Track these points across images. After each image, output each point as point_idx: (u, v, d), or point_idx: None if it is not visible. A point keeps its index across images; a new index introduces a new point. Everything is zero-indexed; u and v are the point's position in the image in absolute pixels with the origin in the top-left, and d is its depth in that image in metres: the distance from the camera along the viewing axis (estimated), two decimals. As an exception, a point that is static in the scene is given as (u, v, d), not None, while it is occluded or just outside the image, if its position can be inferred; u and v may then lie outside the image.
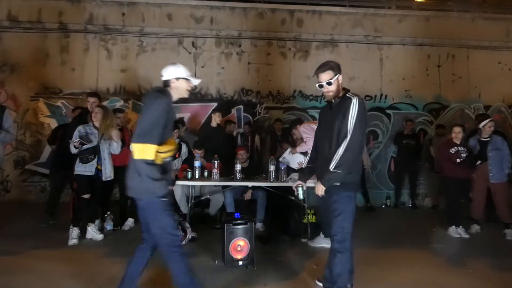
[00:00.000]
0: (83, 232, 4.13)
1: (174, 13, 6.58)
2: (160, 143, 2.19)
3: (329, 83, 2.50)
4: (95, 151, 3.99)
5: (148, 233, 2.32)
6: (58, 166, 4.71)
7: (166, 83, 2.37)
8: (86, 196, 4.01)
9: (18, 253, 3.57)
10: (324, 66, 2.53)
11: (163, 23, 6.55)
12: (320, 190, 2.48)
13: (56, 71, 6.44)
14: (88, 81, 6.47)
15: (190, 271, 2.30)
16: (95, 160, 3.99)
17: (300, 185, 2.87)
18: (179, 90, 2.38)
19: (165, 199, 2.22)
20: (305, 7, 6.78)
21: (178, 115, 6.42)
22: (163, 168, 2.23)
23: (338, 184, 2.43)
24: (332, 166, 2.39)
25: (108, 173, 4.11)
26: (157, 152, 2.17)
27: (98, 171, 4.04)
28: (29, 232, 4.33)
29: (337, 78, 2.51)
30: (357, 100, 2.43)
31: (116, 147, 4.10)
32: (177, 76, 2.36)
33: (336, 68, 2.52)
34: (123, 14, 6.51)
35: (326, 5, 6.81)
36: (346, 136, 2.39)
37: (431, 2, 7.23)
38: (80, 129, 4.00)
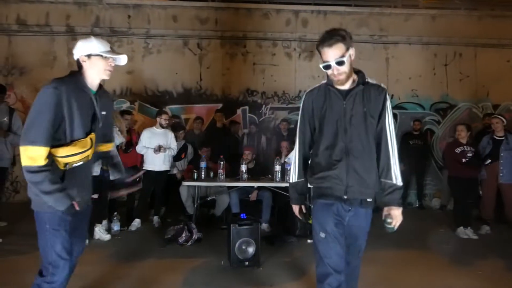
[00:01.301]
0: (90, 232, 4.17)
1: (179, 15, 6.61)
2: (61, 144, 1.72)
3: (340, 62, 1.71)
4: None
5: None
6: None
7: (78, 64, 1.87)
8: (94, 196, 4.05)
9: (27, 253, 3.61)
10: (332, 37, 1.71)
11: (168, 25, 6.59)
12: (400, 217, 1.89)
13: (63, 73, 6.35)
14: (95, 83, 6.53)
15: None
16: (100, 160, 4.01)
17: (305, 209, 2.11)
18: (94, 71, 1.85)
19: (62, 214, 1.77)
20: (310, 7, 6.76)
21: (183, 117, 6.48)
22: (64, 176, 1.76)
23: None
24: (398, 181, 1.83)
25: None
26: (56, 156, 1.72)
27: (104, 171, 4.05)
28: (34, 232, 4.39)
29: (350, 54, 1.76)
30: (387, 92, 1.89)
31: (117, 142, 4.09)
32: (88, 53, 1.84)
33: (348, 38, 1.76)
34: (129, 16, 6.57)
35: (331, 5, 6.79)
36: (390, 139, 1.81)
37: (438, 0, 7.17)
38: None
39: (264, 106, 6.79)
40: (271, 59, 6.78)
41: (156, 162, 4.68)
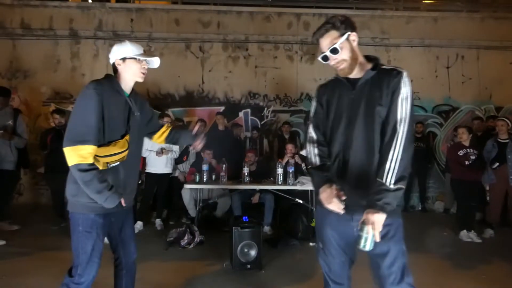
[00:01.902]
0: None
1: (181, 18, 6.65)
2: (99, 145, 1.76)
3: (333, 50, 1.58)
4: None
5: (113, 246, 2.05)
6: (53, 169, 4.58)
7: (113, 68, 1.94)
8: None
9: (31, 255, 3.65)
10: (322, 27, 1.63)
11: (171, 28, 6.63)
12: (380, 225, 1.44)
13: (67, 76, 6.57)
14: (98, 86, 6.57)
15: None
16: None
17: (364, 224, 1.45)
18: (128, 74, 1.91)
19: (95, 217, 1.81)
20: (312, 10, 6.79)
21: (185, 120, 6.50)
22: (108, 176, 1.80)
23: (394, 207, 1.50)
24: (390, 180, 1.46)
25: None
26: (96, 156, 1.75)
27: None
28: (42, 234, 4.41)
29: (348, 39, 1.60)
30: (407, 74, 1.60)
31: None
32: (123, 56, 1.89)
33: (342, 24, 1.62)
34: (132, 20, 6.61)
35: (332, 8, 6.82)
36: (396, 129, 1.50)
37: (439, 2, 7.18)
38: None
39: (266, 109, 6.81)
40: (273, 62, 6.80)
41: (158, 165, 4.70)
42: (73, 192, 1.80)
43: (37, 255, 3.65)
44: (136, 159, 2.04)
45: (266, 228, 4.54)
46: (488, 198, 4.70)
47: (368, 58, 1.69)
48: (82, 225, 1.80)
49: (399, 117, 1.51)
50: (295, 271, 3.37)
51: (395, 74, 1.59)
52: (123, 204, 1.85)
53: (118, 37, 6.59)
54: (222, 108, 6.63)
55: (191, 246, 3.97)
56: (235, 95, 6.76)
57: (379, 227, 1.44)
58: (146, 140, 4.94)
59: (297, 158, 5.05)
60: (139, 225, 4.67)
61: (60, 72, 6.57)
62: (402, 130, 1.50)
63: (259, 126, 6.59)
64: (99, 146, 1.76)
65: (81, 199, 1.78)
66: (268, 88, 6.80)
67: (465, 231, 4.43)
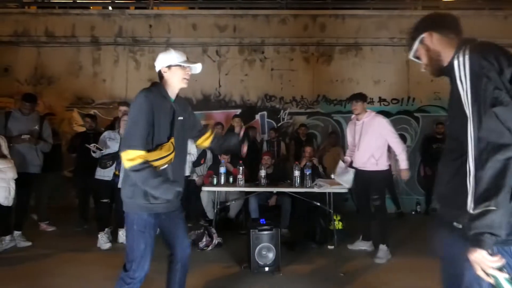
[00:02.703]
0: (114, 236, 4.30)
1: (198, 23, 6.75)
2: (148, 149, 1.87)
3: (416, 58, 1.49)
4: (114, 157, 4.08)
5: (168, 243, 2.16)
6: (80, 172, 4.89)
7: (159, 75, 2.05)
8: (105, 200, 4.18)
9: (55, 256, 3.77)
10: (408, 37, 1.51)
11: (188, 33, 6.74)
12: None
13: (88, 82, 6.78)
14: (118, 91, 6.75)
15: None
16: (113, 166, 4.11)
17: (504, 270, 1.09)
18: (174, 81, 2.02)
19: (148, 217, 1.94)
20: (328, 12, 6.76)
21: (203, 123, 6.57)
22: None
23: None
24: (471, 205, 1.12)
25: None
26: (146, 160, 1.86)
27: (117, 177, 4.11)
28: (65, 236, 4.56)
29: (422, 43, 1.44)
30: (469, 55, 1.25)
31: None
32: (168, 64, 2.00)
33: (416, 30, 1.49)
34: (150, 26, 6.76)
35: (349, 9, 6.76)
36: (470, 128, 1.17)
37: (460, 1, 7.00)
38: (105, 134, 4.21)
39: (282, 111, 6.81)
40: (289, 64, 6.80)
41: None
42: (129, 194, 1.94)
43: (61, 257, 3.77)
44: (182, 161, 2.16)
45: (284, 231, 4.52)
46: None
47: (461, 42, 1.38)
48: (137, 224, 1.94)
49: (469, 111, 1.22)
50: (313, 274, 3.35)
51: (460, 62, 1.29)
52: (180, 189, 1.97)
53: (137, 43, 6.76)
54: (238, 111, 6.67)
55: (209, 248, 4.01)
56: (252, 98, 6.80)
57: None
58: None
59: (314, 161, 5.02)
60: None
61: (82, 78, 6.78)
62: (478, 127, 1.18)
63: (276, 128, 6.59)
64: (148, 151, 1.87)
65: (136, 200, 1.92)
66: (284, 91, 6.80)
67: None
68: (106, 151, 4.09)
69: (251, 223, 3.61)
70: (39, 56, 6.78)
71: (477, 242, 1.08)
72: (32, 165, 4.11)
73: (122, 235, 4.26)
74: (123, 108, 4.71)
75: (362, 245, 3.99)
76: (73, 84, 6.76)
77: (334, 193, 4.27)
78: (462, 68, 1.25)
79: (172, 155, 1.95)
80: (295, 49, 6.80)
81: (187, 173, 4.98)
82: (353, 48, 6.76)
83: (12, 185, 3.51)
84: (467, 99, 1.20)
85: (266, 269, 3.29)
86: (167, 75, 2.01)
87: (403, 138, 6.64)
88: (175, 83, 2.03)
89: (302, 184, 4.33)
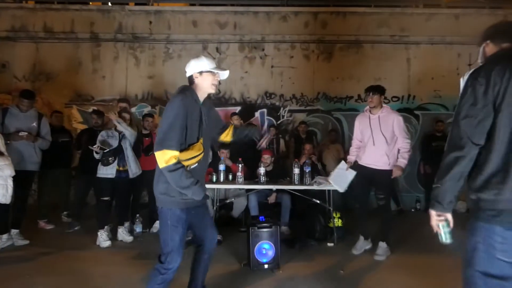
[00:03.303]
0: (113, 234, 4.29)
1: (199, 20, 6.71)
2: (181, 149, 2.02)
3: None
4: (116, 153, 4.08)
5: (197, 235, 2.37)
6: (82, 170, 4.76)
7: (190, 80, 2.19)
8: (106, 198, 4.16)
9: (52, 255, 3.76)
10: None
11: (188, 30, 6.70)
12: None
13: (88, 79, 6.74)
14: (117, 88, 6.72)
15: None
16: (115, 162, 4.09)
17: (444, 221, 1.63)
18: (204, 86, 2.17)
19: (181, 213, 2.11)
20: (329, 9, 6.72)
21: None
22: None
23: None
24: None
25: (134, 170, 4.19)
26: (181, 160, 2.01)
27: (120, 172, 4.13)
28: (63, 234, 4.54)
29: (483, 50, 1.73)
30: (471, 71, 1.55)
31: (129, 135, 4.17)
32: (200, 70, 2.15)
33: (480, 38, 1.76)
34: (150, 22, 6.72)
35: (350, 6, 6.72)
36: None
37: (461, -1, 6.97)
38: (102, 134, 4.16)
39: (282, 108, 6.79)
40: (289, 61, 6.77)
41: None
42: (162, 191, 2.10)
43: (60, 255, 3.75)
44: (207, 159, 2.32)
45: (283, 228, 4.52)
46: None
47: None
48: (170, 219, 2.11)
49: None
50: (312, 271, 3.35)
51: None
52: (208, 195, 2.20)
53: (137, 40, 6.72)
54: (238, 109, 6.65)
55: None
56: (251, 95, 6.77)
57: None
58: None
59: (313, 158, 5.01)
60: (158, 224, 4.74)
61: (82, 74, 6.74)
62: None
63: (275, 125, 6.57)
64: (181, 150, 2.03)
65: (169, 196, 2.08)
66: (284, 88, 6.78)
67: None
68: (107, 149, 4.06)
69: (250, 220, 3.60)
70: (38, 52, 6.73)
71: (430, 205, 1.63)
72: (30, 162, 4.08)
73: (121, 232, 4.25)
74: (123, 104, 4.71)
75: (365, 246, 3.88)
76: (72, 81, 6.72)
77: (334, 191, 4.26)
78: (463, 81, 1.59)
79: (202, 155, 2.15)
80: (295, 46, 6.77)
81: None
82: (353, 45, 6.73)
83: (10, 183, 3.49)
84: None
85: (266, 266, 3.29)
86: (198, 80, 2.16)
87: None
88: (205, 88, 2.18)
89: (301, 182, 4.32)
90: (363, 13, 6.69)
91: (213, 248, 2.40)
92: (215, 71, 2.17)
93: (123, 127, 4.11)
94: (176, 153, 1.98)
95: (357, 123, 3.91)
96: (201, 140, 2.15)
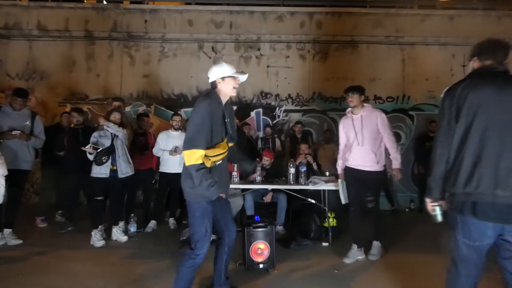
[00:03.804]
0: (108, 233, 4.26)
1: (194, 19, 6.69)
2: (208, 147, 2.25)
3: None
4: (109, 152, 4.05)
5: (217, 228, 2.56)
6: (70, 172, 4.58)
7: (213, 85, 2.41)
8: (100, 198, 4.13)
9: (45, 254, 3.72)
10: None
11: (184, 29, 6.68)
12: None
13: (82, 77, 6.69)
14: (112, 87, 6.68)
15: (187, 285, 2.44)
16: (109, 161, 4.06)
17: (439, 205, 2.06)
18: (227, 90, 2.40)
19: (207, 205, 2.34)
20: (324, 9, 6.74)
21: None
22: (211, 171, 2.30)
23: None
24: None
25: (124, 170, 4.14)
26: (206, 156, 2.23)
27: (113, 172, 4.10)
28: (57, 234, 4.50)
29: (472, 65, 2.07)
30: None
31: (122, 136, 4.15)
32: (222, 76, 2.38)
33: (471, 52, 2.11)
34: (146, 21, 6.68)
35: (346, 6, 6.75)
36: None
37: (455, 0, 7.02)
38: (94, 135, 4.12)
39: (277, 108, 6.80)
40: (285, 61, 6.78)
41: (172, 164, 4.73)
42: (191, 185, 2.31)
43: (53, 254, 3.72)
44: (226, 159, 2.53)
45: (279, 228, 4.53)
46: None
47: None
48: (198, 211, 2.35)
49: None
50: (307, 271, 3.36)
51: None
52: (223, 196, 2.49)
53: (132, 38, 6.68)
54: (234, 108, 6.62)
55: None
56: (247, 95, 6.77)
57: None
58: (159, 140, 5.00)
59: (309, 158, 5.03)
60: (152, 224, 4.73)
61: (76, 73, 6.69)
62: None
63: (271, 125, 6.57)
64: (208, 148, 2.25)
65: (197, 190, 2.28)
66: (280, 88, 6.79)
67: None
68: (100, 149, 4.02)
69: (246, 220, 3.60)
70: (31, 50, 6.67)
71: (425, 194, 2.07)
72: (24, 161, 4.03)
73: (116, 232, 4.22)
74: (117, 103, 4.68)
75: (358, 255, 3.66)
76: (66, 79, 6.67)
77: (329, 191, 4.28)
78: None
79: (226, 153, 2.40)
80: (291, 46, 6.78)
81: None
82: (349, 45, 6.76)
83: (2, 182, 3.44)
84: None
85: (261, 266, 3.29)
86: (221, 85, 2.39)
87: (397, 136, 6.68)
88: (227, 92, 2.41)
89: (297, 181, 4.33)
90: (359, 14, 6.72)
91: (232, 240, 2.61)
92: (236, 75, 2.40)
93: (113, 130, 4.08)
94: (203, 152, 2.21)
95: (341, 127, 3.83)
96: (225, 140, 2.39)
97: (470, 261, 1.95)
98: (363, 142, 3.58)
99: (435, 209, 2.05)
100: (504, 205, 1.73)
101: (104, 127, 4.09)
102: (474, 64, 2.01)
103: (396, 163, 3.63)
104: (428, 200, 2.05)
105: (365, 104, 3.71)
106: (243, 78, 2.46)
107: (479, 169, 1.75)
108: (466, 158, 1.79)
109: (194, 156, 2.19)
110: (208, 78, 2.41)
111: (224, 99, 2.42)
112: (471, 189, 1.77)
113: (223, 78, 2.38)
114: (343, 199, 3.90)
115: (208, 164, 2.27)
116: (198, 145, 2.20)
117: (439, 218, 2.07)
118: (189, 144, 2.23)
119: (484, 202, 1.76)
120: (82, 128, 4.67)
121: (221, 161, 2.39)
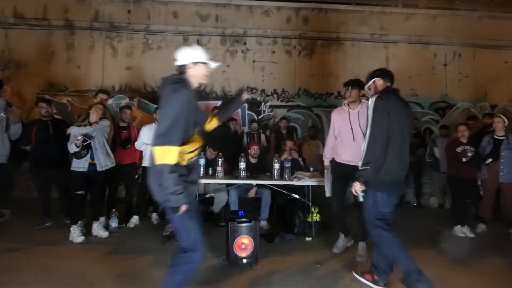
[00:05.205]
0: (88, 229, 4.16)
1: (179, 11, 6.57)
2: (183, 143, 1.96)
3: (368, 89, 3.03)
4: (88, 146, 3.93)
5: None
6: (39, 164, 4.33)
7: (182, 69, 2.08)
8: (80, 192, 4.02)
9: (22, 250, 3.60)
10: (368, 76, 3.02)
11: (169, 21, 6.55)
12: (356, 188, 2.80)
13: (61, 68, 6.47)
14: (93, 79, 6.49)
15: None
16: (88, 155, 3.94)
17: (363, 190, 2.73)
18: (197, 77, 2.11)
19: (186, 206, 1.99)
20: (311, 5, 6.74)
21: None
22: (189, 170, 2.03)
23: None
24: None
25: (102, 163, 4.04)
26: (182, 153, 1.95)
27: (92, 165, 3.98)
28: (32, 229, 4.33)
29: (374, 82, 2.96)
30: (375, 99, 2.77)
31: (102, 130, 4.07)
32: (195, 61, 2.08)
33: (372, 73, 2.98)
34: (129, 11, 6.51)
35: (332, 3, 6.77)
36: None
37: (438, 0, 7.16)
38: (75, 130, 3.93)
39: (263, 103, 6.78)
40: (271, 56, 6.76)
41: (155, 159, 4.64)
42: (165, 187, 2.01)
43: (28, 251, 3.59)
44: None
45: (263, 223, 4.53)
46: (481, 193, 4.76)
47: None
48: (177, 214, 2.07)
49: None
50: (290, 265, 3.37)
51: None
52: (183, 211, 2.01)
53: (115, 29, 6.50)
54: (219, 103, 6.58)
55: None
56: (233, 90, 6.71)
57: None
58: (142, 134, 4.88)
59: (294, 154, 5.04)
60: (135, 219, 4.65)
61: (55, 63, 6.46)
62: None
63: (256, 120, 6.56)
64: (183, 144, 1.95)
65: (164, 191, 1.95)
66: (266, 83, 6.77)
67: (458, 226, 4.48)
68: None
69: (230, 215, 3.58)
70: (7, 38, 6.39)
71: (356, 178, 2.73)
72: (-1, 154, 3.88)
73: (96, 228, 4.12)
74: (104, 96, 4.49)
75: (345, 243, 3.80)
76: (45, 70, 6.43)
77: (313, 186, 4.30)
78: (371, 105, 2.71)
79: (200, 147, 2.11)
80: (277, 41, 6.76)
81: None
82: (334, 42, 6.79)
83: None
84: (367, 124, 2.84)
85: (244, 261, 3.28)
86: (192, 70, 2.08)
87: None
88: (199, 79, 2.13)
89: (281, 177, 4.33)
90: (344, 11, 6.76)
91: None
92: (210, 63, 2.14)
93: (88, 130, 3.95)
94: (178, 149, 1.91)
95: (335, 118, 3.72)
96: (197, 130, 2.12)
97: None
98: (359, 138, 3.50)
99: (361, 191, 2.72)
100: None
101: (75, 134, 3.93)
102: (378, 83, 2.92)
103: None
104: (357, 184, 2.74)
105: (363, 100, 3.65)
106: (215, 65, 2.18)
107: None
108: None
109: (169, 154, 1.87)
110: (176, 60, 2.09)
111: (193, 86, 2.14)
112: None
113: (195, 63, 2.08)
114: (328, 192, 3.89)
115: (184, 162, 1.98)
116: (173, 141, 1.88)
117: (362, 198, 2.73)
118: (163, 140, 1.89)
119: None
120: (51, 120, 4.39)
121: (196, 158, 2.11)
